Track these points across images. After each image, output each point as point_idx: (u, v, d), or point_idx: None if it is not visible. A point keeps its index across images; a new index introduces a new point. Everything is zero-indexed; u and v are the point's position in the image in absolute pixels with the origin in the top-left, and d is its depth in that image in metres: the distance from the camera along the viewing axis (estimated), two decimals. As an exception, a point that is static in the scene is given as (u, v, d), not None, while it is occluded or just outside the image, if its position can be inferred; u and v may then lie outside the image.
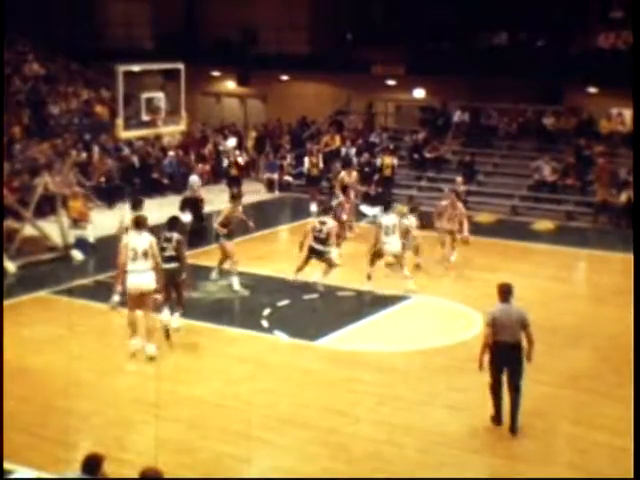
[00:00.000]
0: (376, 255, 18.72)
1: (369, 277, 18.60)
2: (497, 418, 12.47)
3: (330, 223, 18.85)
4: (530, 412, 12.91)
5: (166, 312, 15.62)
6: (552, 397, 13.59)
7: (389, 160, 28.79)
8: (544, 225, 25.26)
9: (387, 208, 19.37)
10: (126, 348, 14.89)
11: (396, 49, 31.11)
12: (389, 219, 18.72)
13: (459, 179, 26.31)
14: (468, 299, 18.06)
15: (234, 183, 27.05)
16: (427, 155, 30.10)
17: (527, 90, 29.01)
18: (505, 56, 29.87)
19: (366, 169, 29.51)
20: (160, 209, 23.76)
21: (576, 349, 15.46)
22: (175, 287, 15.70)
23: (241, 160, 28.90)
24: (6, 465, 9.54)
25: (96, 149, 28.49)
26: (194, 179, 24.78)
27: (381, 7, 34.29)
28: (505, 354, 12.18)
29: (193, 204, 23.10)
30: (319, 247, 18.54)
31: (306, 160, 28.73)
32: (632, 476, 10.03)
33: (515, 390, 12.29)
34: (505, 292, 12.42)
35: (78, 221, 22.64)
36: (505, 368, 12.26)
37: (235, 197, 19.29)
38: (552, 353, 15.26)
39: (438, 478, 11.13)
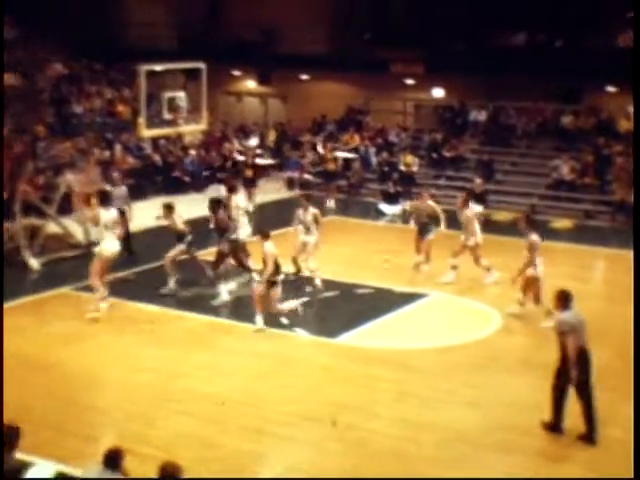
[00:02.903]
0: (532, 281, 16.86)
1: (521, 303, 17.30)
2: (559, 424, 12.35)
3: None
4: (548, 410, 12.97)
5: None
6: (570, 395, 13.63)
7: (410, 158, 28.99)
8: (562, 224, 25.28)
9: (533, 224, 17.48)
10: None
11: (415, 49, 31.21)
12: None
13: (478, 180, 26.42)
14: (486, 297, 18.19)
15: (249, 184, 26.87)
16: (446, 154, 30.20)
17: (546, 89, 29.04)
18: (524, 55, 29.95)
19: (385, 168, 29.72)
20: (181, 207, 23.98)
21: (594, 347, 15.21)
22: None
23: (260, 160, 28.93)
24: (27, 458, 9.58)
25: (118, 148, 28.73)
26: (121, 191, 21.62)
27: (400, 7, 34.37)
28: (585, 359, 12.08)
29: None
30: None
31: (322, 155, 28.91)
32: (632, 476, 10.12)
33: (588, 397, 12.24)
34: (568, 299, 12.24)
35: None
36: (583, 372, 12.10)
37: (167, 207, 18.67)
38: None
39: (453, 478, 11.20)
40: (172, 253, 18.21)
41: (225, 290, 17.93)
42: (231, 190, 19.66)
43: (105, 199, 17.54)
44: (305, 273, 19.20)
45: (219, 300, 17.79)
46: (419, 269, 19.84)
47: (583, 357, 12.02)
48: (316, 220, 19.33)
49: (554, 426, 12.28)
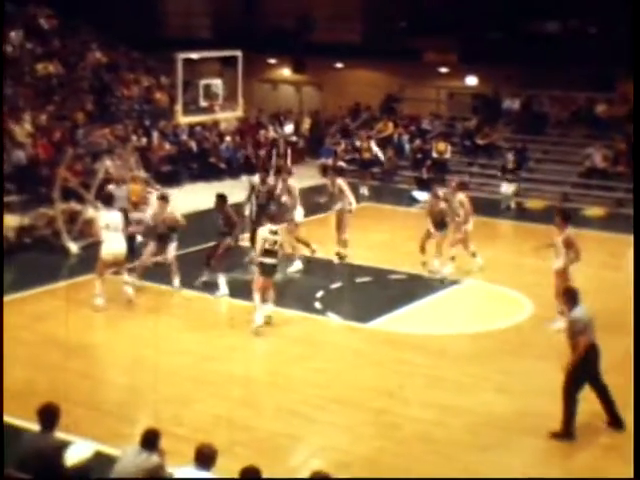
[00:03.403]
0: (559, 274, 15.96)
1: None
2: (571, 430, 11.95)
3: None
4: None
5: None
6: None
7: (443, 146, 29.07)
8: (594, 212, 25.27)
9: (568, 218, 16.26)
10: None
11: (449, 37, 31.29)
12: None
13: (510, 156, 26.58)
14: (518, 284, 18.21)
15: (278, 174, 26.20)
16: (479, 142, 30.31)
17: (579, 77, 29.01)
18: (557, 44, 29.91)
19: (418, 155, 29.86)
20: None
21: (624, 336, 14.99)
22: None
23: (283, 151, 28.81)
24: (65, 437, 9.69)
25: (155, 134, 28.98)
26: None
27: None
28: (596, 354, 11.94)
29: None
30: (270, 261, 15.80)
31: (358, 145, 28.99)
32: (632, 476, 10.17)
33: (603, 387, 12.14)
34: (575, 296, 12.10)
35: (137, 204, 23.10)
36: (594, 367, 11.98)
37: (163, 198, 18.30)
38: (600, 340, 14.71)
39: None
40: (171, 252, 17.73)
41: (224, 283, 17.67)
42: (289, 173, 20.35)
43: (107, 200, 17.58)
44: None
45: (220, 293, 17.52)
46: (427, 266, 19.24)
47: (594, 352, 11.93)
48: (340, 190, 19.84)
49: (566, 434, 11.93)
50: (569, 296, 12.15)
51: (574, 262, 15.76)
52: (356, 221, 20.41)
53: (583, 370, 11.82)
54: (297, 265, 19.10)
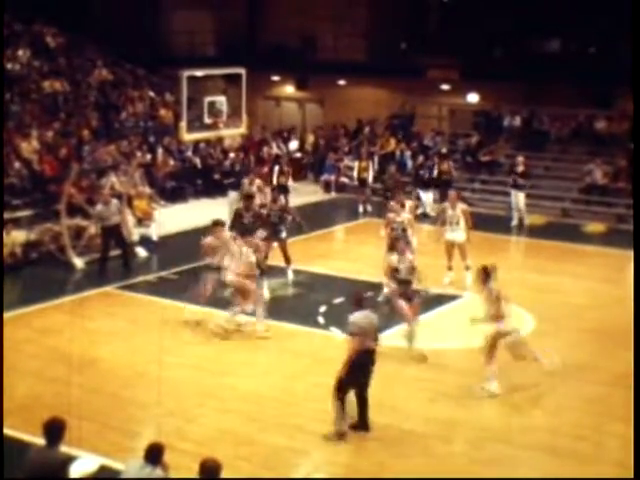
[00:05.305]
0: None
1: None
2: (341, 431, 12.26)
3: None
4: (581, 411, 13.19)
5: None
6: (603, 396, 13.79)
7: (445, 166, 29.10)
8: (595, 227, 25.36)
9: (489, 276, 14.50)
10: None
11: (451, 56, 31.46)
12: None
13: (520, 158, 26.46)
14: (519, 299, 18.23)
15: (281, 191, 25.16)
16: (480, 158, 30.45)
17: (579, 95, 29.19)
18: (557, 62, 30.13)
19: (420, 171, 29.98)
20: (221, 208, 24.36)
21: (626, 350, 15.11)
22: None
23: (286, 168, 28.97)
24: (72, 451, 9.76)
25: (160, 151, 29.16)
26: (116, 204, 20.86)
27: (436, 16, 34.66)
28: (370, 361, 12.29)
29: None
30: None
31: (356, 164, 29.12)
32: (632, 476, 10.23)
33: (365, 395, 12.49)
34: (361, 299, 12.69)
35: (142, 220, 23.29)
36: (367, 374, 12.31)
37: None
38: (603, 354, 15.51)
39: (489, 478, 11.37)
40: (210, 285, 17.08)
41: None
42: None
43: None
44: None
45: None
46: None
47: (370, 358, 12.26)
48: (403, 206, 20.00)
49: (337, 435, 12.26)
50: (356, 299, 12.65)
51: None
52: (358, 236, 20.51)
53: (352, 373, 12.10)
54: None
